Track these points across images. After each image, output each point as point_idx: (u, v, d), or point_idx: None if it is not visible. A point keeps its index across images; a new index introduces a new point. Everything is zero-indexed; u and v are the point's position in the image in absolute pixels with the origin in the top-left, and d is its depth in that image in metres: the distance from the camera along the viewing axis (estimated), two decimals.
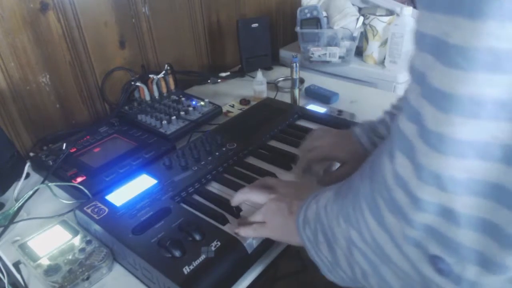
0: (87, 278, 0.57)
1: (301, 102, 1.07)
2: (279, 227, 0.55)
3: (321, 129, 0.78)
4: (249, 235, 0.58)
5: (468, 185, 0.27)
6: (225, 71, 1.29)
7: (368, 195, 0.37)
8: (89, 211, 0.64)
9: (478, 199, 0.27)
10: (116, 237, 0.59)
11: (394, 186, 0.32)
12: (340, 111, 0.99)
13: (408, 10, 1.15)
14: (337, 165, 0.75)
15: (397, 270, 0.35)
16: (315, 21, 1.27)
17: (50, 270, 0.58)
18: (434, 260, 0.30)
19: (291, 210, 0.53)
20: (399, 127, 0.31)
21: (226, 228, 0.62)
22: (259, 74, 1.11)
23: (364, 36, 1.28)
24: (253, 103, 1.09)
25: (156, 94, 1.07)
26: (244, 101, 1.11)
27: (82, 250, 0.61)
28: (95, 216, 0.63)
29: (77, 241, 0.63)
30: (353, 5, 1.32)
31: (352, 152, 0.69)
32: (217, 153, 0.79)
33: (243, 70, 1.30)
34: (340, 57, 1.26)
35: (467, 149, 0.26)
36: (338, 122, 0.90)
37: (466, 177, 0.27)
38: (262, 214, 0.58)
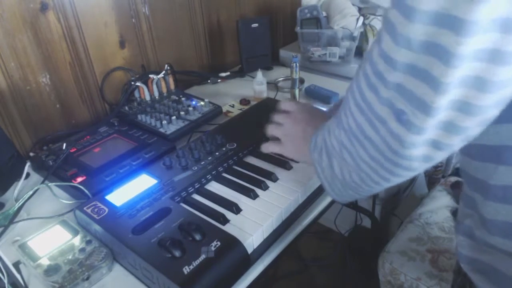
0: (87, 278, 0.57)
1: (301, 102, 1.07)
2: (293, 148, 0.69)
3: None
4: (268, 150, 0.74)
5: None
6: (225, 71, 1.29)
7: (353, 83, 0.44)
8: (89, 211, 0.64)
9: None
10: (116, 237, 0.59)
11: (378, 58, 0.38)
12: None
13: None
14: None
15: (369, 147, 0.43)
16: (315, 21, 1.27)
17: (50, 270, 0.58)
18: (399, 113, 0.37)
19: (305, 136, 0.63)
20: (388, 14, 0.36)
21: (226, 228, 0.62)
22: (259, 74, 1.11)
23: (364, 36, 1.28)
24: (253, 103, 1.09)
25: (156, 94, 1.07)
26: (244, 101, 1.11)
27: (82, 250, 0.61)
28: (95, 216, 0.63)
29: (77, 241, 0.63)
30: (353, 5, 1.32)
31: None
32: (217, 153, 0.79)
33: (243, 70, 1.30)
34: (340, 57, 1.26)
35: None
36: None
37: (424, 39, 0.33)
38: (280, 133, 0.71)
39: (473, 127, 0.36)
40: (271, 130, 0.74)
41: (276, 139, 0.73)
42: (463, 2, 0.29)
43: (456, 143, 0.37)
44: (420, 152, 0.38)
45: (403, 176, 0.43)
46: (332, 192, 0.57)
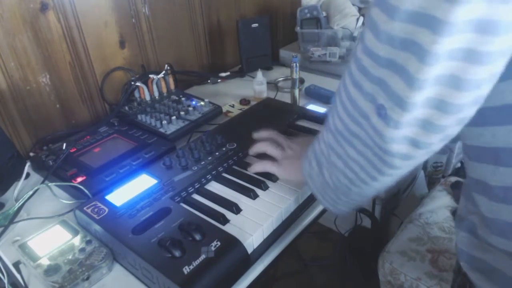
0: (87, 278, 0.57)
1: (301, 102, 1.07)
2: (292, 170, 0.68)
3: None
4: (260, 170, 0.72)
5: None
6: (225, 71, 1.29)
7: (340, 84, 0.44)
8: (89, 211, 0.64)
9: None
10: (116, 237, 0.59)
11: (362, 55, 0.38)
12: None
13: None
14: None
15: (356, 143, 0.43)
16: (315, 21, 1.27)
17: (50, 270, 0.58)
18: (379, 108, 0.38)
19: (302, 156, 0.62)
20: (370, 11, 0.37)
21: (226, 228, 0.62)
22: (259, 74, 1.11)
23: None
24: (253, 103, 1.09)
25: (156, 94, 1.07)
26: (244, 101, 1.11)
27: (82, 250, 0.61)
28: (95, 216, 0.63)
29: (77, 241, 0.63)
30: (353, 5, 1.32)
31: None
32: (217, 153, 0.79)
33: (243, 70, 1.30)
34: (340, 57, 1.26)
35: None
36: None
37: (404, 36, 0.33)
38: (280, 155, 0.70)
39: (450, 126, 0.36)
40: (268, 149, 0.72)
41: (264, 156, 0.73)
42: (443, 3, 0.30)
43: (435, 141, 0.38)
44: (400, 149, 0.39)
45: (389, 175, 0.44)
46: (325, 202, 0.57)
